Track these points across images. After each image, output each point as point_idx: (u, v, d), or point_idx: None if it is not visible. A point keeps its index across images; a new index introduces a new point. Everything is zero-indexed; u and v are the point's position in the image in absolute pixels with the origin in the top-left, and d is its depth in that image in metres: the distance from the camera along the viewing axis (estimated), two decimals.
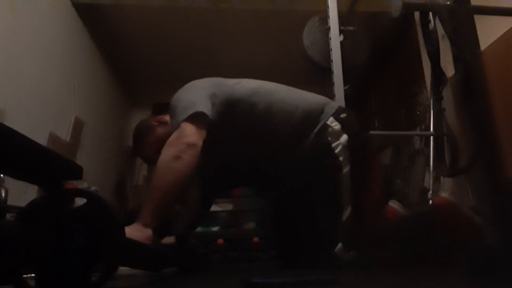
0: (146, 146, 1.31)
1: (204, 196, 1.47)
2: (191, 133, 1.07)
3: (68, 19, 2.57)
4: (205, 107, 1.13)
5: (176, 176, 1.03)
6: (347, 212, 1.15)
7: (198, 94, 1.17)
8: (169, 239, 1.31)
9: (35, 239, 0.46)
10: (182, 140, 1.05)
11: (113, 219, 0.58)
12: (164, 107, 1.33)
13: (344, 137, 1.21)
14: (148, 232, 0.96)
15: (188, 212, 1.44)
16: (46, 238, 0.48)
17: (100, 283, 0.55)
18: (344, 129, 1.22)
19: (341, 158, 1.19)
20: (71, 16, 2.63)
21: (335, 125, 1.22)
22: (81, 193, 0.58)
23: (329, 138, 1.20)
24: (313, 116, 1.24)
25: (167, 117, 1.29)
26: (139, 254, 0.77)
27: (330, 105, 1.30)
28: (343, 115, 1.26)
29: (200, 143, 1.08)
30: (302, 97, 1.30)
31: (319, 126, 1.22)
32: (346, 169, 1.18)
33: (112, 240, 0.56)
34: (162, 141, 1.17)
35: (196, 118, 1.10)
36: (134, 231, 0.91)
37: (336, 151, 1.19)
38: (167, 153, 1.04)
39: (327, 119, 1.23)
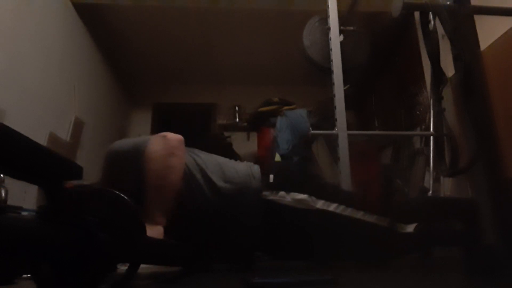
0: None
1: None
2: (173, 134, 1.06)
3: (68, 19, 2.57)
4: None
5: (175, 172, 1.03)
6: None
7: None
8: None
9: (58, 237, 0.46)
10: (169, 136, 1.05)
11: (136, 218, 0.58)
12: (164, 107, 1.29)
13: (290, 196, 1.11)
14: (160, 229, 0.97)
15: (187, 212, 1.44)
16: (69, 236, 0.48)
17: (125, 281, 0.55)
18: (286, 189, 1.13)
19: (307, 206, 1.11)
20: (71, 16, 2.63)
21: (275, 194, 1.12)
22: (104, 193, 0.59)
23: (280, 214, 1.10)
24: (235, 190, 1.11)
25: None
26: (162, 251, 0.79)
27: (255, 176, 1.16)
28: (271, 178, 1.16)
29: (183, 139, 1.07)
30: (223, 171, 1.16)
31: (252, 202, 1.11)
32: (319, 205, 1.11)
33: (135, 239, 0.57)
34: None
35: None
36: (147, 230, 0.91)
37: (299, 206, 1.11)
38: (159, 152, 1.02)
39: (258, 192, 1.11)
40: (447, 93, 1.53)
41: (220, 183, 1.10)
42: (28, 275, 0.49)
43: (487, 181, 0.89)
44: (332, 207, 1.11)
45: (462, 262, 0.95)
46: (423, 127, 2.55)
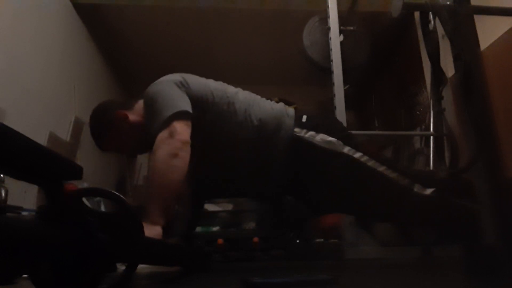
0: (106, 139, 1.33)
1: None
2: (183, 131, 1.09)
3: (68, 19, 2.58)
4: (187, 103, 1.14)
5: (177, 173, 1.04)
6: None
7: (176, 89, 1.19)
8: (172, 240, 1.32)
9: (57, 237, 0.46)
10: (176, 137, 1.06)
11: (134, 218, 0.58)
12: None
13: (319, 136, 1.17)
14: (158, 230, 0.97)
15: (187, 212, 1.45)
16: (69, 236, 0.48)
17: (123, 281, 0.55)
18: (317, 130, 1.18)
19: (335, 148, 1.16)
20: (71, 16, 2.63)
21: (305, 132, 1.18)
22: (102, 193, 0.59)
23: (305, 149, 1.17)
24: (271, 125, 1.20)
25: (128, 112, 1.31)
26: (160, 251, 0.79)
27: (289, 114, 1.24)
28: (304, 118, 1.22)
29: (190, 140, 1.10)
30: (260, 107, 1.25)
31: (285, 138, 1.18)
32: (346, 150, 1.15)
33: (133, 238, 0.57)
34: (121, 138, 1.28)
35: (183, 116, 1.11)
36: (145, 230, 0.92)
37: (325, 145, 1.16)
38: (163, 151, 1.05)
39: (291, 129, 1.19)
40: (447, 93, 1.53)
41: (256, 119, 1.19)
42: (28, 275, 0.49)
43: (487, 181, 0.89)
44: (358, 155, 1.15)
45: (462, 262, 0.95)
46: (423, 127, 2.55)
